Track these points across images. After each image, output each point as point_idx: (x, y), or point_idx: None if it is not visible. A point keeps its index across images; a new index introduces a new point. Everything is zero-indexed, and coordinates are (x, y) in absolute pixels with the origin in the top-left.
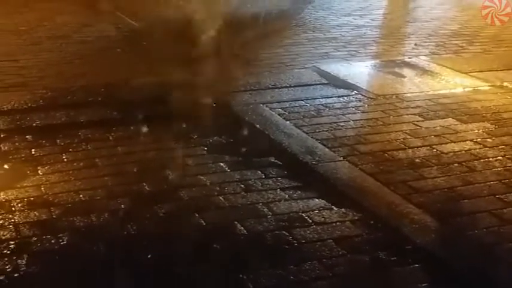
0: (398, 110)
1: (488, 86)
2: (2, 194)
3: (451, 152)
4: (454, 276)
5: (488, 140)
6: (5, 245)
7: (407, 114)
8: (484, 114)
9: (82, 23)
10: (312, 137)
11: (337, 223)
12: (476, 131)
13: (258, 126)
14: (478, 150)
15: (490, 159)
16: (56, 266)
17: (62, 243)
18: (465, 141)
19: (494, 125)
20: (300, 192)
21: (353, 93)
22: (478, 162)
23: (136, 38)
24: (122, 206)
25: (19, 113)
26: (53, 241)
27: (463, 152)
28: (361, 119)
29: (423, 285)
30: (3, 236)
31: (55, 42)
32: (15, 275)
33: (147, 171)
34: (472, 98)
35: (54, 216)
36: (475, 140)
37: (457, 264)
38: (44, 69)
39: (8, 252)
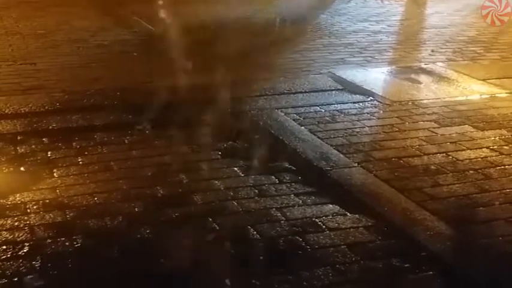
0: (414, 116)
1: (506, 93)
2: (17, 195)
3: (467, 159)
4: (469, 285)
5: (505, 147)
6: (19, 246)
7: (423, 121)
8: (500, 122)
9: (99, 27)
10: (326, 143)
11: (351, 229)
12: (493, 138)
13: (272, 131)
14: (494, 157)
15: (506, 166)
16: (70, 268)
17: (76, 245)
18: (481, 148)
19: (511, 132)
20: (313, 197)
21: (368, 99)
22: (494, 169)
23: (152, 42)
24: (136, 209)
25: (36, 115)
26: (67, 243)
27: (479, 159)
28: (377, 125)
29: None
30: (18, 237)
31: (72, 46)
32: (29, 276)
33: (162, 175)
34: (489, 105)
35: (68, 219)
36: (491, 147)
37: (471, 272)
38: (61, 73)
39: (23, 254)
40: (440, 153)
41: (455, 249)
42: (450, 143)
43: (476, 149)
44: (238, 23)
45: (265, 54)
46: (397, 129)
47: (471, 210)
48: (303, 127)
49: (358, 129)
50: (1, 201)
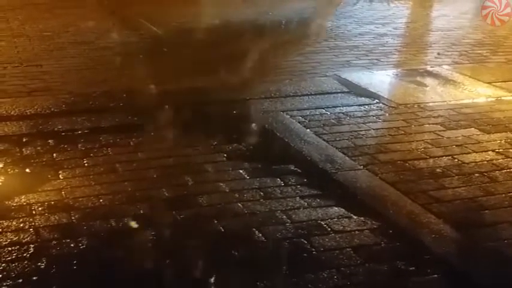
0: (420, 119)
1: None
2: (23, 197)
3: (472, 162)
4: None
5: (511, 150)
6: (25, 248)
7: (428, 124)
8: (506, 125)
9: (105, 30)
10: (332, 146)
11: (356, 232)
12: (499, 141)
13: (278, 133)
14: (500, 160)
15: None
16: (74, 270)
17: (81, 247)
18: (487, 151)
19: None
20: (319, 200)
21: (374, 101)
22: (499, 172)
23: (158, 45)
24: (141, 211)
25: (42, 117)
26: (72, 245)
27: (485, 162)
28: (382, 128)
29: None
30: (24, 239)
31: (78, 48)
32: (34, 278)
33: (167, 177)
34: (495, 108)
35: (74, 220)
36: (497, 150)
37: (476, 275)
38: (67, 75)
39: (28, 255)
40: (446, 156)
41: (460, 252)
42: (456, 146)
43: (482, 152)
44: (244, 26)
45: (271, 56)
46: (402, 132)
47: (476, 213)
48: (308, 129)
49: (363, 132)
50: (6, 202)
